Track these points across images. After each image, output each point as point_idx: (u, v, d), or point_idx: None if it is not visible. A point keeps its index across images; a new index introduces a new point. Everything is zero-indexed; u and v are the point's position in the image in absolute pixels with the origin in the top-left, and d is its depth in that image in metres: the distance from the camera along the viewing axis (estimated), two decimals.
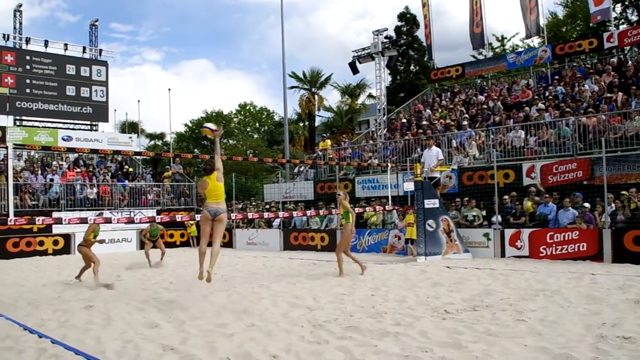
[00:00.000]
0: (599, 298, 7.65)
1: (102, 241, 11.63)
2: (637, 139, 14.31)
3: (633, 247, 11.86)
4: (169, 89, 32.64)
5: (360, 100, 42.63)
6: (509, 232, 13.82)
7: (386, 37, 28.52)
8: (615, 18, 23.49)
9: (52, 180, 21.61)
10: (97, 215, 15.50)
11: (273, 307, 7.92)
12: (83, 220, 10.11)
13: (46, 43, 27.22)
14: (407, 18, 40.74)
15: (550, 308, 7.12)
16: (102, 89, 28.33)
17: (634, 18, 31.33)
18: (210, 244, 8.12)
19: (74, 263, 16.01)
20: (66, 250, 19.42)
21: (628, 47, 22.71)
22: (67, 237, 19.57)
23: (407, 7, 40.93)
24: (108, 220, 10.87)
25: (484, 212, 15.08)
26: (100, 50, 29.15)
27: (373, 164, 18.85)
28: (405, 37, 40.26)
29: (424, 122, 21.70)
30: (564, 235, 12.83)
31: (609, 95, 17.16)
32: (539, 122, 16.74)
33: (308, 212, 15.21)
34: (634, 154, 13.78)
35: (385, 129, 24.65)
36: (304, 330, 6.34)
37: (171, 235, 22.18)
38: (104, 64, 28.86)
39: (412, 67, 41.59)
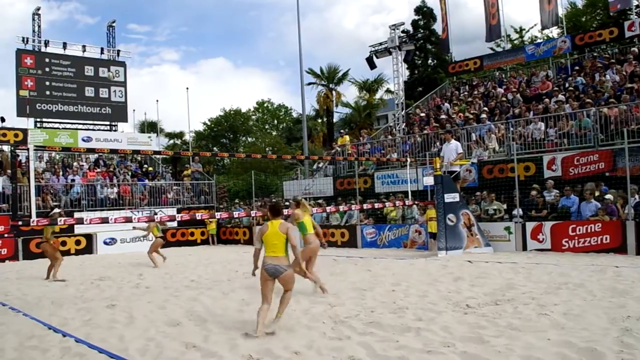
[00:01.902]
0: (623, 291, 7.59)
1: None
2: None
3: None
4: (187, 88, 32.67)
5: (378, 96, 42.53)
6: (530, 226, 13.72)
7: (403, 32, 28.34)
8: (637, 6, 23.02)
9: (73, 180, 21.87)
10: (118, 215, 15.75)
11: (294, 303, 7.92)
12: (104, 220, 10.16)
13: (65, 45, 27.59)
14: (424, 12, 40.50)
15: (574, 301, 7.09)
16: (120, 90, 28.68)
17: None
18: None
19: (95, 262, 16.37)
20: (89, 249, 19.68)
21: None
22: (89, 237, 19.82)
23: (423, 1, 40.71)
24: (129, 220, 10.99)
25: (504, 206, 14.99)
26: (118, 51, 29.50)
27: (392, 158, 18.82)
28: (422, 31, 39.99)
29: (443, 116, 21.59)
30: (586, 228, 12.71)
31: (630, 85, 16.90)
32: (559, 113, 16.55)
33: (328, 208, 15.25)
34: None
35: (404, 124, 24.57)
36: (326, 327, 6.38)
37: (192, 234, 22.45)
38: (122, 64, 29.19)
39: (429, 61, 41.36)
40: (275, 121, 58.05)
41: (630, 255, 11.81)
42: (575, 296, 7.42)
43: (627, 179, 12.50)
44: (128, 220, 10.90)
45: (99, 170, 23.88)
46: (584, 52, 23.18)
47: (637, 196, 12.56)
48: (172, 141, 49.02)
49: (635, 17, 22.75)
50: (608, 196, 13.07)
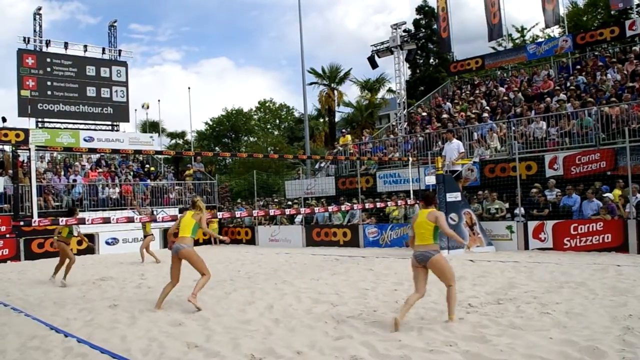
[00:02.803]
0: (624, 289, 7.61)
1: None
2: None
3: None
4: (189, 88, 32.70)
5: (379, 95, 42.57)
6: (532, 225, 13.73)
7: (405, 31, 28.33)
8: (638, 5, 23.02)
9: (74, 181, 21.84)
10: (120, 215, 15.83)
11: (296, 303, 8.00)
12: (106, 220, 10.16)
13: (66, 45, 27.52)
14: (425, 11, 40.52)
15: (576, 300, 7.10)
16: (122, 89, 28.64)
17: None
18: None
19: (98, 263, 16.36)
20: (90, 250, 19.62)
21: None
22: (91, 237, 19.64)
23: (425, 0, 40.72)
24: (130, 220, 11.01)
25: (506, 205, 15.00)
26: (120, 51, 29.42)
27: (394, 158, 18.83)
28: (424, 30, 40.03)
29: (445, 116, 21.60)
30: (588, 227, 12.72)
31: (631, 84, 16.90)
32: (560, 112, 16.56)
33: (330, 208, 15.27)
34: None
35: (406, 123, 24.59)
36: (328, 326, 6.39)
37: None
38: (124, 64, 29.15)
39: (431, 60, 41.39)
40: (277, 121, 58.09)
41: (631, 254, 11.83)
42: (577, 295, 7.43)
43: (629, 177, 12.51)
44: (130, 220, 10.93)
45: (100, 170, 23.89)
46: (585, 51, 23.18)
47: (638, 195, 12.57)
48: (173, 141, 49.07)
49: (636, 16, 22.75)
50: (609, 195, 13.07)
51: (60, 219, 10.19)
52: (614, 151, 14.06)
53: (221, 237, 8.43)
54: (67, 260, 11.62)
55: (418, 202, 16.06)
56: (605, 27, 22.79)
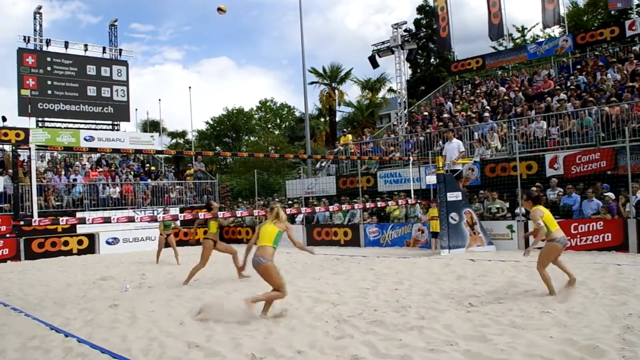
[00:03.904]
0: (624, 288, 7.62)
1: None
2: None
3: None
4: (190, 87, 32.65)
5: (380, 95, 42.55)
6: (532, 224, 13.70)
7: (405, 30, 28.36)
8: (638, 5, 23.04)
9: (75, 180, 21.84)
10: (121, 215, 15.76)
11: (297, 302, 7.98)
12: (107, 220, 10.03)
13: (66, 44, 27.37)
14: (426, 11, 40.50)
15: (576, 299, 7.11)
16: (122, 89, 28.50)
17: None
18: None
19: (98, 262, 16.33)
20: (91, 249, 19.58)
21: None
22: (91, 237, 19.76)
23: (426, 0, 40.68)
24: (131, 219, 10.97)
25: (507, 204, 15.01)
26: (120, 50, 29.27)
27: (395, 157, 18.83)
28: (424, 30, 39.99)
29: (445, 115, 21.61)
30: (588, 226, 12.73)
31: (631, 84, 16.91)
32: (561, 112, 16.57)
33: (331, 207, 15.28)
34: None
35: (407, 123, 24.59)
36: (328, 326, 6.39)
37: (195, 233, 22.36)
38: (124, 63, 29.01)
39: (432, 60, 41.37)
40: (278, 120, 58.14)
41: (632, 253, 11.85)
42: (577, 294, 7.43)
43: (629, 177, 12.54)
44: (131, 219, 10.86)
45: (101, 169, 23.89)
46: (585, 51, 23.18)
47: (638, 194, 12.58)
48: (174, 140, 49.06)
49: (636, 16, 22.77)
50: (609, 194, 13.09)
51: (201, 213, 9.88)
52: (614, 151, 14.07)
53: (308, 248, 7.61)
54: (199, 263, 10.80)
55: (419, 201, 16.10)
56: (606, 27, 22.77)
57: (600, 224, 12.59)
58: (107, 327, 6.91)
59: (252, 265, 7.10)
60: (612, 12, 27.07)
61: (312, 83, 40.31)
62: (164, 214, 14.75)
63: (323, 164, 24.16)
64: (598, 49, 22.99)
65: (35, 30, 27.26)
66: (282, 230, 7.07)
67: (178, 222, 16.56)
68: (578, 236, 12.87)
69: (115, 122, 28.70)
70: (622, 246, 12.18)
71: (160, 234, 15.43)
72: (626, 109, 15.01)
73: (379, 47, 26.84)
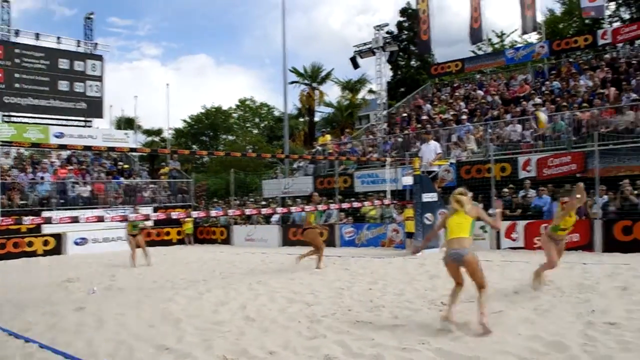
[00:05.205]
0: (589, 286, 7.84)
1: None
2: (627, 132, 14.66)
3: (622, 237, 12.18)
4: (167, 85, 32.42)
5: (360, 95, 42.72)
6: (504, 224, 13.96)
7: (387, 32, 28.53)
8: (610, 16, 23.65)
9: (42, 178, 21.20)
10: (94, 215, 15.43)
11: (270, 303, 7.97)
12: (75, 220, 9.53)
13: (37, 36, 26.08)
14: (408, 13, 40.77)
15: (543, 297, 7.29)
16: (97, 84, 27.30)
17: (627, 16, 31.67)
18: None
19: (65, 264, 15.87)
20: (57, 250, 18.89)
21: (621, 44, 22.88)
22: (58, 237, 19.08)
23: (408, 3, 40.97)
24: (101, 219, 10.66)
25: (481, 205, 15.22)
26: (96, 44, 28.16)
27: (372, 158, 18.98)
28: (406, 33, 40.32)
29: (424, 117, 21.84)
30: None
31: (602, 90, 17.35)
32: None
33: (307, 208, 15.32)
34: (625, 148, 14.14)
35: (386, 124, 24.79)
36: (302, 326, 6.40)
37: (167, 233, 22.06)
38: (100, 58, 27.82)
39: (412, 62, 41.68)
40: (257, 119, 57.92)
41: (597, 253, 12.24)
42: (545, 292, 7.61)
43: (596, 180, 12.96)
44: (100, 219, 10.56)
45: (71, 167, 23.24)
46: (560, 57, 23.65)
47: (605, 196, 13.00)
48: (150, 138, 48.49)
49: (608, 26, 23.34)
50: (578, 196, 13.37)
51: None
52: (584, 154, 14.44)
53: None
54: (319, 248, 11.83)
55: (394, 202, 16.24)
56: (580, 35, 23.33)
57: None
58: (72, 331, 6.69)
59: (445, 262, 6.24)
60: (587, 21, 27.62)
61: (292, 83, 40.32)
62: (133, 213, 14.45)
63: (301, 164, 24.21)
64: (572, 56, 23.49)
65: (2, 19, 25.83)
66: (475, 217, 6.34)
67: (150, 222, 16.26)
68: None
69: (88, 119, 27.52)
70: (588, 246, 12.55)
71: (129, 234, 14.71)
72: (596, 114, 15.43)
73: (360, 48, 26.95)
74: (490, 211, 14.42)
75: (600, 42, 21.31)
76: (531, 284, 7.79)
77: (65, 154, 24.31)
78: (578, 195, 7.62)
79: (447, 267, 6.21)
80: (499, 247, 13.95)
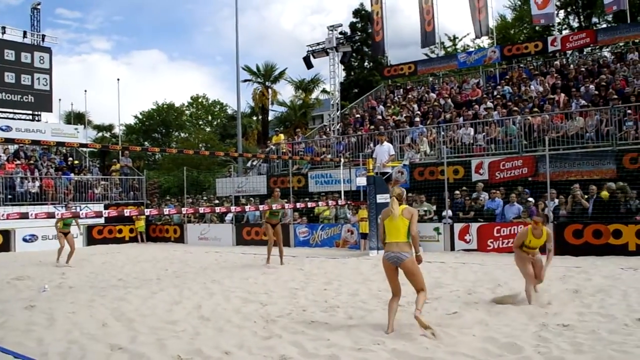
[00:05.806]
0: (541, 289, 7.96)
1: None
2: (577, 138, 15.08)
3: (573, 240, 12.47)
4: (118, 79, 31.55)
5: (314, 95, 42.71)
6: (458, 227, 14.19)
7: (341, 33, 28.57)
8: (559, 23, 24.40)
9: None
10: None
11: (225, 302, 7.88)
12: (24, 216, 9.23)
13: None
14: (362, 15, 41.00)
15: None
16: (45, 77, 26.43)
17: (576, 24, 32.74)
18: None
19: (13, 261, 15.36)
20: (5, 247, 18.38)
21: (570, 51, 23.65)
22: (5, 233, 18.51)
23: (362, 4, 41.19)
24: (51, 215, 10.39)
25: (434, 207, 15.41)
26: (44, 36, 27.27)
27: (326, 158, 18.95)
28: (360, 34, 40.52)
29: (377, 118, 21.96)
30: (509, 229, 13.27)
31: (552, 96, 17.83)
32: (487, 120, 17.25)
33: (261, 207, 15.16)
34: (575, 152, 14.60)
35: (339, 124, 24.81)
36: (257, 326, 6.34)
37: (120, 231, 21.67)
38: (48, 50, 26.96)
39: (366, 64, 41.97)
40: (210, 117, 57.19)
41: None
42: (499, 294, 7.72)
43: (547, 183, 13.21)
44: (50, 216, 10.31)
45: (19, 162, 22.55)
46: (511, 62, 24.25)
47: (556, 200, 13.27)
48: (100, 134, 47.23)
49: (558, 33, 24.06)
50: (530, 199, 13.71)
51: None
52: (535, 158, 14.81)
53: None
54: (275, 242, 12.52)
55: (349, 202, 16.25)
56: (530, 41, 23.97)
57: (521, 227, 13.08)
58: (21, 330, 6.52)
59: (385, 264, 6.15)
60: (537, 28, 28.40)
61: (245, 81, 39.93)
62: (65, 210, 13.90)
63: (254, 163, 23.98)
64: (523, 62, 24.09)
65: None
66: (409, 219, 6.03)
67: (82, 220, 15.85)
68: (500, 239, 13.42)
69: (36, 112, 26.72)
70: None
71: (59, 232, 14.23)
72: (547, 119, 15.83)
73: (314, 48, 26.95)
74: (444, 213, 14.67)
75: (550, 48, 21.94)
76: (533, 304, 7.05)
77: (12, 148, 23.44)
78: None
79: (385, 269, 6.18)
80: (453, 249, 14.14)
